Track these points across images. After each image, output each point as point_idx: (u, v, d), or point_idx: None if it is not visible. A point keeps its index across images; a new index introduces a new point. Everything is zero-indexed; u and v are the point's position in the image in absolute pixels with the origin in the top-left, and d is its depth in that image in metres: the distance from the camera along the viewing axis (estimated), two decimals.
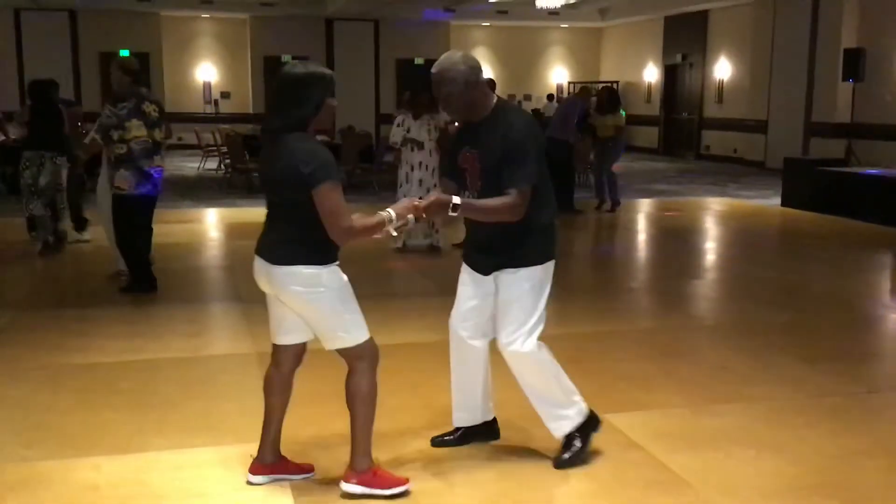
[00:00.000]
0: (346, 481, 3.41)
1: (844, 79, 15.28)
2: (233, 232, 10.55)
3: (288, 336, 3.51)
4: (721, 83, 19.95)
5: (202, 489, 3.53)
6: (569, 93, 22.61)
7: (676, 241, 10.12)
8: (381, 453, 3.80)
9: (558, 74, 25.14)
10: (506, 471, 3.69)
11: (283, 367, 3.56)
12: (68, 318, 6.27)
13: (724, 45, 19.89)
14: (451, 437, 3.93)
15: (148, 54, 20.66)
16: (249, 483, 3.55)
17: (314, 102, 3.27)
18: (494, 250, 3.59)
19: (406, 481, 3.46)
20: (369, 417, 3.43)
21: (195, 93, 22.26)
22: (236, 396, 4.60)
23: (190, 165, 17.66)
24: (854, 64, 15.01)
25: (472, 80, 3.49)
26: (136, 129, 6.45)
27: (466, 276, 3.75)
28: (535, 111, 20.33)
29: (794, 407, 4.50)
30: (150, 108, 6.55)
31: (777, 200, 12.90)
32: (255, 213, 11.75)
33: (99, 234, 8.26)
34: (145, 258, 6.95)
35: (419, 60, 22.88)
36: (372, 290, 7.44)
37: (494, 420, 3.98)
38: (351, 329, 3.36)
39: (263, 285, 3.48)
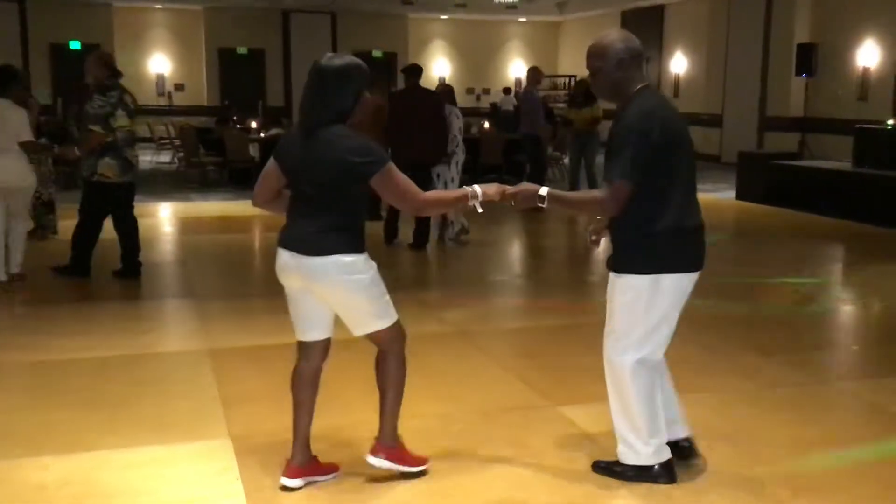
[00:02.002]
0: (373, 455, 3.48)
1: (798, 73, 15.53)
2: (186, 226, 10.42)
3: (314, 332, 3.47)
4: (677, 78, 20.13)
5: (152, 487, 3.47)
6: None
7: None
8: (338, 444, 3.78)
9: (517, 68, 25.18)
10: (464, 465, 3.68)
11: (312, 361, 3.50)
12: (17, 315, 6.14)
13: (680, 40, 20.08)
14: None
15: (100, 45, 20.27)
16: (285, 488, 3.40)
17: (354, 95, 3.28)
18: (613, 249, 3.42)
19: (427, 461, 3.56)
20: (399, 397, 3.48)
21: (148, 85, 21.91)
22: (188, 394, 4.54)
23: (142, 158, 17.35)
24: (807, 59, 15.26)
25: (625, 59, 3.28)
26: (121, 119, 6.69)
27: None
28: (493, 104, 20.39)
29: (748, 398, 4.55)
30: (129, 100, 6.83)
31: (732, 194, 13.06)
32: (209, 207, 11.67)
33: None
34: (89, 248, 7.06)
35: (377, 53, 22.79)
36: None
37: (685, 440, 3.64)
38: (384, 313, 3.38)
39: (292, 280, 3.39)
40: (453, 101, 8.95)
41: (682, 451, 3.59)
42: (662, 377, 3.52)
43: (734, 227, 11.39)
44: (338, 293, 3.34)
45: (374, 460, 3.48)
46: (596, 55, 3.31)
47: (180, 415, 4.23)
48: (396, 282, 7.50)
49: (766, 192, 12.28)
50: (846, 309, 6.99)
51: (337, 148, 3.22)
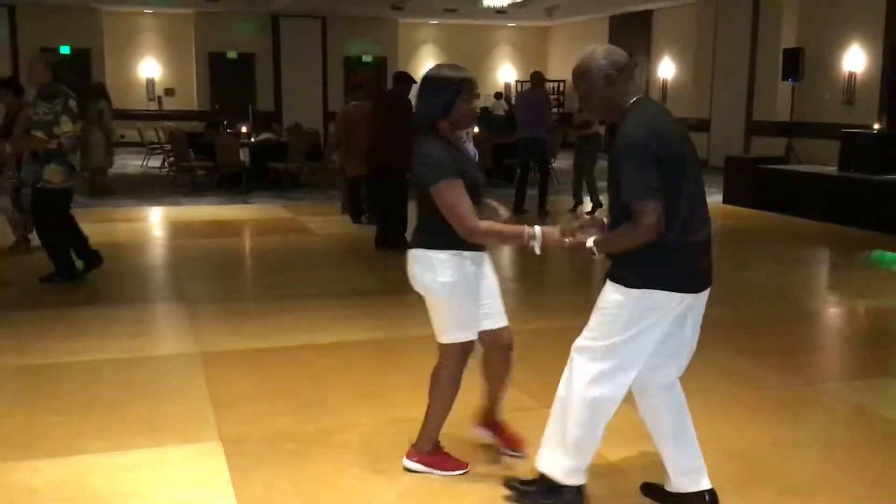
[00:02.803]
0: (408, 458, 3.62)
1: (784, 78, 15.63)
2: (177, 231, 10.42)
3: (484, 322, 3.60)
4: (665, 82, 20.24)
5: (144, 490, 3.48)
6: (521, 89, 22.72)
7: None
8: (329, 447, 3.81)
9: (506, 73, 25.27)
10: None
11: (491, 352, 3.67)
12: (6, 319, 6.14)
13: (667, 45, 20.19)
14: None
15: (89, 50, 20.32)
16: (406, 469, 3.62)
17: (441, 105, 3.38)
18: (612, 256, 3.23)
19: (465, 465, 3.63)
20: (440, 412, 3.60)
21: (138, 89, 21.90)
22: (179, 397, 4.55)
23: (133, 163, 17.38)
24: (793, 63, 15.35)
25: (611, 74, 3.10)
26: (66, 125, 6.67)
27: None
28: (485, 109, 20.41)
29: (734, 400, 4.60)
30: (73, 104, 6.77)
31: (719, 198, 13.12)
32: (200, 211, 11.67)
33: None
34: (67, 246, 7.08)
35: (367, 58, 22.83)
36: (318, 290, 7.43)
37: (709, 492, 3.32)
38: (451, 328, 3.49)
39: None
40: None
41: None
42: (684, 417, 3.37)
43: (721, 231, 11.44)
44: (419, 288, 3.53)
45: (408, 463, 3.62)
46: (580, 77, 3.16)
47: (172, 418, 4.25)
48: (387, 284, 7.58)
49: (753, 196, 12.36)
50: (831, 311, 7.06)
51: (413, 155, 3.41)
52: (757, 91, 16.93)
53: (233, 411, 4.34)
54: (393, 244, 8.75)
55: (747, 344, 5.64)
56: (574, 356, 3.23)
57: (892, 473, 3.76)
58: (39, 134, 6.64)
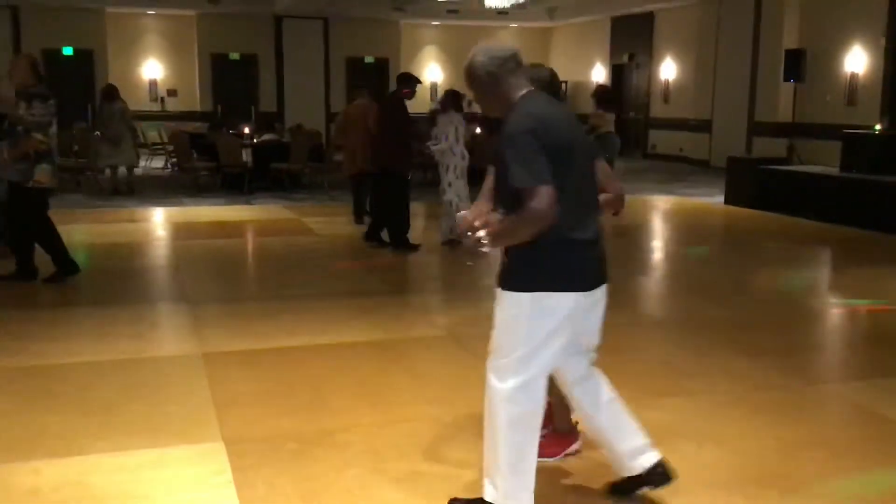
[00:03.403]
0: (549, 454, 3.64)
1: (786, 79, 15.61)
2: (179, 232, 10.42)
3: None
4: (667, 83, 20.22)
5: (145, 491, 3.49)
6: None
7: (624, 238, 10.24)
8: (330, 447, 3.81)
9: None
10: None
11: None
12: (6, 319, 6.15)
13: (669, 46, 20.18)
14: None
15: (92, 51, 20.31)
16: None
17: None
18: (501, 261, 3.13)
19: (563, 450, 3.72)
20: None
21: (141, 90, 21.88)
22: (181, 398, 4.55)
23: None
24: (795, 64, 15.35)
25: (493, 71, 3.05)
26: (54, 126, 6.91)
27: None
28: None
29: (735, 400, 4.60)
30: (52, 104, 6.87)
31: (721, 198, 13.13)
32: (202, 212, 11.68)
33: None
34: (62, 248, 7.15)
35: (369, 59, 22.83)
36: (319, 290, 7.43)
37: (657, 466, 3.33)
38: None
39: None
40: (457, 108, 9.05)
41: (660, 479, 3.31)
42: (611, 403, 3.29)
43: (723, 231, 11.47)
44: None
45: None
46: (466, 78, 3.12)
47: (173, 418, 4.25)
48: (387, 285, 7.58)
49: (755, 196, 12.36)
50: (833, 312, 7.05)
51: None
52: (759, 92, 16.92)
53: (234, 412, 4.34)
54: (396, 244, 8.80)
55: (748, 344, 5.64)
56: (489, 378, 3.08)
57: (893, 474, 3.76)
58: (39, 136, 6.68)
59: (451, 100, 9.12)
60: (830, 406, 4.74)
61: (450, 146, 8.81)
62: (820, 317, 6.83)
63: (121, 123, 12.84)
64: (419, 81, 9.22)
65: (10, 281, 7.05)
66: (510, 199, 2.93)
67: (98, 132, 13.35)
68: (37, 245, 7.11)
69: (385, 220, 8.98)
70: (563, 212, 2.89)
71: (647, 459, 3.29)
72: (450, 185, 8.88)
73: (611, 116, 11.49)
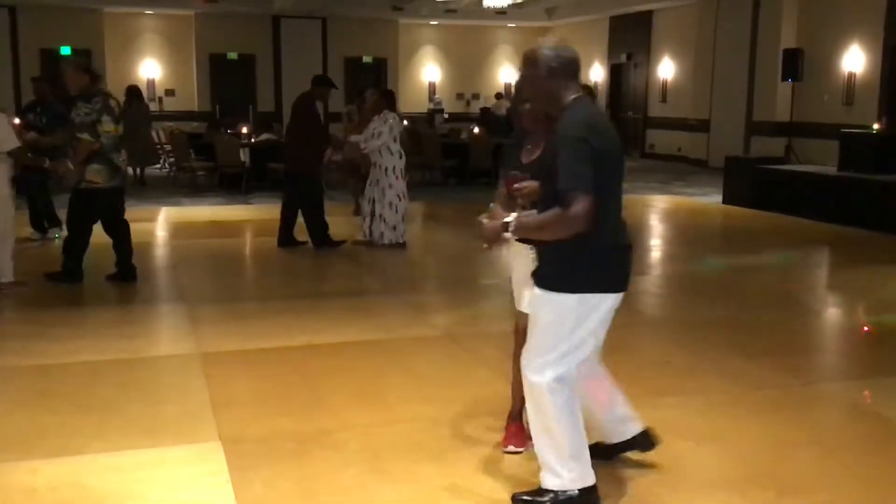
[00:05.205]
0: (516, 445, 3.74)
1: (784, 79, 15.63)
2: (177, 231, 10.42)
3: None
4: (665, 83, 20.23)
5: (142, 491, 3.48)
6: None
7: None
8: (327, 447, 3.81)
9: (506, 73, 25.25)
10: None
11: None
12: (5, 320, 6.14)
13: (667, 46, 20.19)
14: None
15: (90, 51, 20.26)
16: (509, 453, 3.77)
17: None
18: (540, 262, 3.27)
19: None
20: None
21: (141, 90, 21.88)
22: (178, 398, 4.54)
23: None
24: (793, 64, 15.36)
25: (555, 67, 3.15)
26: (107, 125, 6.66)
27: None
28: (485, 109, 20.42)
29: (732, 399, 4.60)
30: (114, 104, 6.85)
31: (718, 198, 13.13)
32: (200, 211, 11.67)
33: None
34: (80, 255, 7.05)
35: (367, 59, 22.82)
36: (317, 290, 7.43)
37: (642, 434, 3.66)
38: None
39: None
40: (391, 107, 8.96)
41: (645, 443, 3.63)
42: (601, 379, 3.52)
43: (720, 231, 11.47)
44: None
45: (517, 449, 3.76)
46: (528, 63, 3.22)
47: (170, 418, 4.25)
48: (385, 285, 7.58)
49: (753, 196, 12.36)
50: (830, 311, 7.06)
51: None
52: (757, 91, 16.93)
53: (232, 411, 4.34)
54: (318, 244, 8.83)
55: (746, 344, 5.64)
56: (528, 377, 3.23)
57: (892, 473, 3.76)
58: (85, 136, 6.63)
59: (385, 99, 9.04)
60: (829, 406, 4.74)
61: (384, 144, 8.68)
62: (818, 316, 6.83)
63: (146, 122, 13.22)
64: (333, 86, 9.19)
65: (112, 282, 7.03)
66: (552, 198, 3.06)
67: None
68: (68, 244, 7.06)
69: (294, 221, 8.87)
70: (609, 216, 3.09)
71: (639, 425, 3.62)
72: (390, 186, 8.74)
73: None
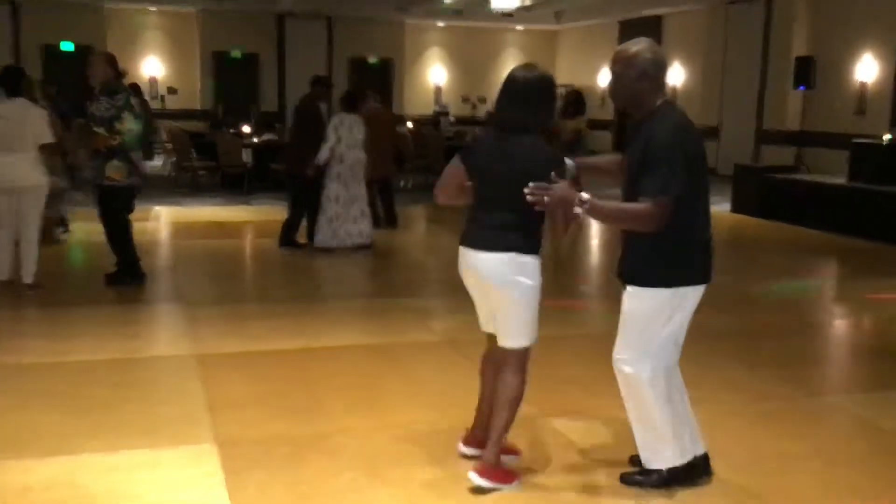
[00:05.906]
0: (480, 475, 3.44)
1: (795, 86, 15.47)
2: (177, 231, 10.38)
3: (490, 325, 3.64)
4: (674, 89, 20.12)
5: (136, 491, 3.44)
6: None
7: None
8: (324, 452, 3.76)
9: None
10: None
11: (497, 353, 3.60)
12: (3, 318, 6.10)
13: (677, 51, 20.10)
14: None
15: (91, 47, 20.25)
16: (462, 455, 3.68)
17: (553, 113, 3.52)
18: (632, 260, 3.38)
19: (517, 476, 3.53)
20: (512, 419, 3.49)
21: (141, 88, 21.86)
22: (173, 399, 4.51)
23: None
24: (805, 72, 15.18)
25: (651, 71, 3.25)
26: (129, 122, 6.60)
27: None
28: (492, 113, 20.37)
29: (734, 411, 4.54)
30: (136, 102, 6.80)
31: (727, 206, 13.04)
32: (201, 211, 11.62)
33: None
34: (132, 248, 7.08)
35: (373, 59, 22.79)
36: (316, 293, 7.38)
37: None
38: (531, 332, 3.49)
39: (469, 276, 3.56)
40: (348, 109, 8.88)
41: (701, 469, 3.59)
42: (682, 395, 3.55)
43: (728, 240, 11.38)
44: (505, 293, 3.42)
45: (479, 481, 3.43)
46: (621, 61, 3.27)
47: (166, 419, 4.20)
48: (385, 288, 7.52)
49: (762, 205, 12.28)
50: (836, 323, 6.99)
51: (536, 156, 3.33)
52: (767, 99, 16.81)
53: (228, 414, 4.29)
54: (283, 242, 8.80)
55: (750, 355, 5.58)
56: (623, 371, 3.38)
57: (894, 487, 3.71)
58: (101, 131, 6.57)
59: (343, 102, 8.95)
60: (833, 418, 4.68)
61: (330, 147, 8.53)
62: (823, 328, 6.76)
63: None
64: (329, 86, 9.26)
65: (118, 284, 6.94)
66: (634, 190, 3.20)
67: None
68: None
69: (299, 223, 8.86)
70: (699, 213, 3.30)
71: (702, 447, 3.60)
72: (324, 187, 8.60)
73: (572, 124, 11.39)
